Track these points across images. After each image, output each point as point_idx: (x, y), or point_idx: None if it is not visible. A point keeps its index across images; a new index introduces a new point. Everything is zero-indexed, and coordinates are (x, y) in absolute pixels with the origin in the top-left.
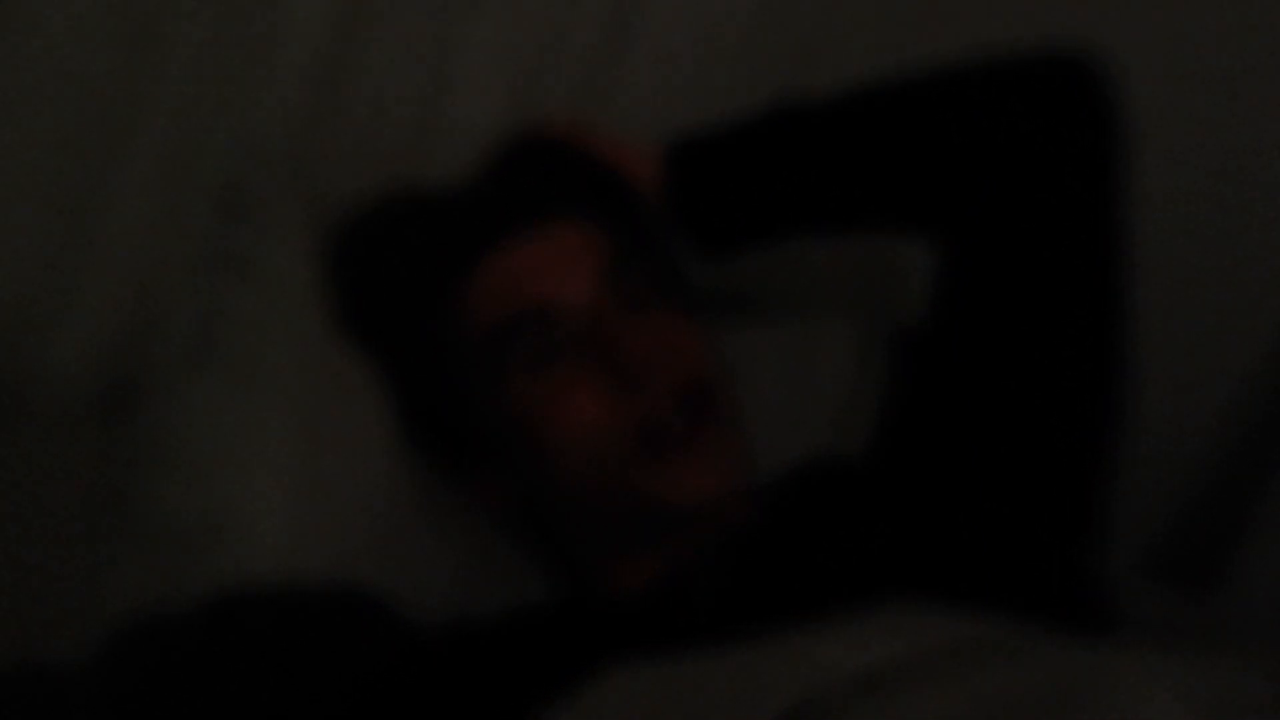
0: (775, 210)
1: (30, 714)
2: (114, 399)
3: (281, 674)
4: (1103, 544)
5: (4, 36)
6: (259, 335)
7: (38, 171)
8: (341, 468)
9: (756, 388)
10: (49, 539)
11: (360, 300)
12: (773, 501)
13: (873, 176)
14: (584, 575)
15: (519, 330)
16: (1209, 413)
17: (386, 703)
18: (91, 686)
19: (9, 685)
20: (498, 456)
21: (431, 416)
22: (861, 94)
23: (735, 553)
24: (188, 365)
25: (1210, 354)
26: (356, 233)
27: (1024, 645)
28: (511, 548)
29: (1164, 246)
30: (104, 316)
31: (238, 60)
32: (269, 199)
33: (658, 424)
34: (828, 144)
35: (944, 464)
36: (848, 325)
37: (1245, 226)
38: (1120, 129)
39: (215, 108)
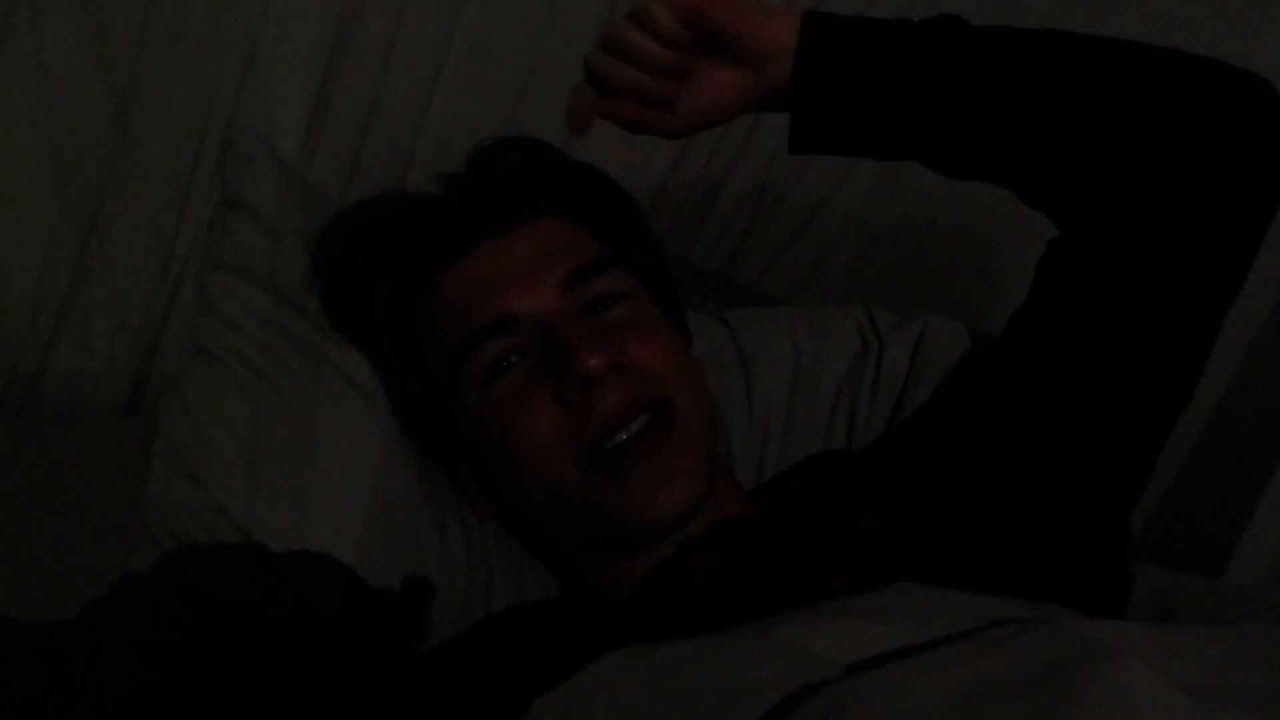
0: (909, 113)
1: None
2: (135, 396)
3: (281, 670)
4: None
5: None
6: (257, 333)
7: (46, 186)
8: (341, 463)
9: (762, 370)
10: (73, 533)
11: (341, 304)
12: (773, 497)
13: (1029, 117)
14: (573, 578)
15: (477, 342)
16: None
17: (384, 701)
18: (102, 673)
19: (30, 668)
20: (474, 464)
21: (418, 416)
22: (1045, 31)
23: (731, 547)
24: (190, 364)
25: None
26: (336, 236)
27: (1029, 624)
28: (505, 547)
29: None
30: (117, 320)
31: (232, 68)
32: (265, 201)
33: (607, 444)
34: (994, 63)
35: (994, 451)
36: (856, 310)
37: None
38: None
39: (210, 115)
